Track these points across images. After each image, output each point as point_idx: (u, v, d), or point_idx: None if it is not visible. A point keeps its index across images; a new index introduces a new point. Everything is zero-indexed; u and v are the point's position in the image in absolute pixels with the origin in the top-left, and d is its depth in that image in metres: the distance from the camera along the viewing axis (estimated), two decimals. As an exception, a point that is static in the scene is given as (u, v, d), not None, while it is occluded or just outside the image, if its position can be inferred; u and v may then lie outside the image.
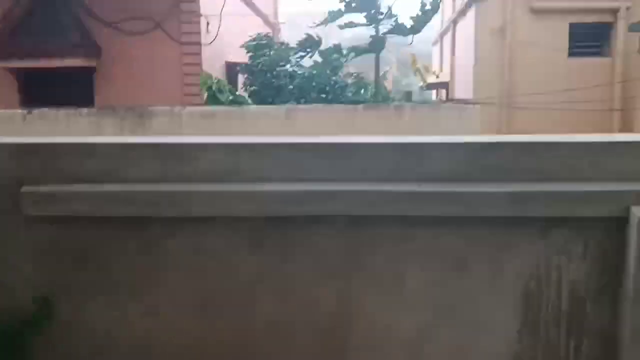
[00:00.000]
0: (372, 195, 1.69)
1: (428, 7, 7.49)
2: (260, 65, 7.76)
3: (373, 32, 7.64)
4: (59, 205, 1.73)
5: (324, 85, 7.35)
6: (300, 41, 8.06)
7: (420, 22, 7.52)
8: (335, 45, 7.80)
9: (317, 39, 7.64)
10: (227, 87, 7.00)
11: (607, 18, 11.58)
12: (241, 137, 1.97)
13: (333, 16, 7.61)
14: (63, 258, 1.80)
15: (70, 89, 9.31)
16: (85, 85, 9.71)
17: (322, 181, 1.75)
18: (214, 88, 7.02)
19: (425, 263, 1.75)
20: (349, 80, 8.78)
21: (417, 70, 7.82)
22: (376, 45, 7.49)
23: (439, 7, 7.59)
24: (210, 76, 7.06)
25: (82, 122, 6.32)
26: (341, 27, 7.76)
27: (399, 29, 7.50)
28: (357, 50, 7.67)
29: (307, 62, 8.38)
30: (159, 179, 1.78)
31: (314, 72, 7.59)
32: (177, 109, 6.37)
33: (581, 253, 1.74)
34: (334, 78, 7.59)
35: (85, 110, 6.44)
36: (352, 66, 11.43)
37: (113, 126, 6.26)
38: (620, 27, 11.30)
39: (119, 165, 1.78)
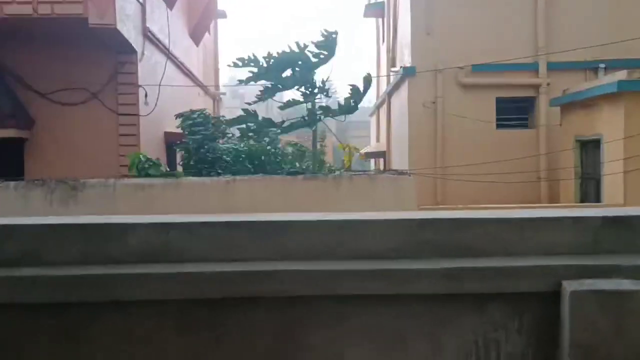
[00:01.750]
0: (309, 275, 1.66)
1: (358, 89, 7.82)
2: (195, 143, 7.77)
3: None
4: (-28, 292, 1.60)
5: (261, 157, 7.40)
6: (234, 119, 8.19)
7: (348, 107, 7.83)
8: (266, 119, 7.96)
9: (252, 112, 7.77)
10: (159, 164, 6.90)
11: (530, 93, 12.38)
12: (173, 215, 1.91)
13: (269, 92, 7.79)
14: (-25, 350, 1.65)
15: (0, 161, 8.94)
16: (15, 157, 9.36)
17: (258, 260, 1.71)
18: (145, 166, 6.89)
19: (363, 342, 1.71)
20: (289, 150, 8.87)
21: (345, 150, 8.02)
22: (311, 120, 7.68)
23: (368, 87, 7.94)
24: (137, 156, 6.95)
25: (8, 196, 6.02)
26: (281, 108, 7.98)
27: (331, 111, 7.77)
28: (293, 126, 7.83)
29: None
30: (83, 261, 1.68)
31: (251, 146, 7.66)
32: (111, 180, 6.20)
33: (517, 328, 1.75)
34: (272, 150, 7.66)
35: (12, 183, 6.16)
36: (293, 135, 11.61)
37: (42, 199, 6.00)
38: (542, 101, 12.09)
39: (40, 248, 1.68)
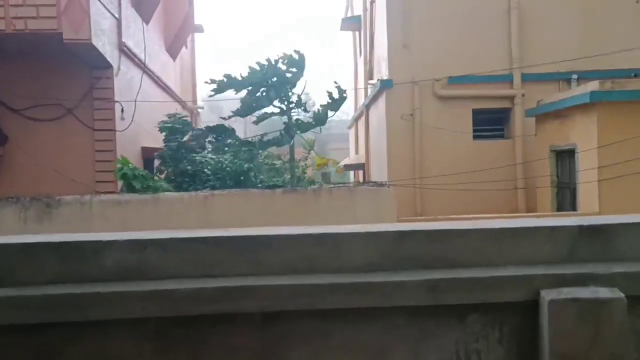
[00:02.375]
0: (289, 290, 1.64)
1: (333, 97, 7.89)
2: (173, 149, 7.74)
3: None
4: (-59, 315, 1.55)
5: (240, 170, 7.38)
6: (213, 127, 8.18)
7: (322, 117, 7.90)
8: (243, 141, 8.00)
9: (230, 129, 7.80)
10: (143, 173, 6.84)
11: (505, 104, 12.55)
12: (149, 231, 1.88)
13: (245, 110, 7.81)
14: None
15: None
16: (-12, 175, 9.18)
17: (236, 276, 1.69)
18: (129, 174, 6.84)
19: (346, 357, 1.70)
20: (267, 163, 8.87)
21: (319, 163, 8.09)
22: (287, 136, 7.70)
23: (342, 99, 8.03)
24: (125, 161, 6.89)
25: (-20, 215, 5.90)
26: (255, 122, 8.02)
27: (306, 126, 7.83)
28: (269, 143, 7.86)
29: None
30: (59, 281, 1.65)
31: (229, 159, 7.65)
32: (87, 197, 6.10)
33: (497, 337, 1.76)
34: (250, 164, 7.66)
35: (-16, 201, 6.04)
36: (273, 148, 11.58)
37: (16, 218, 5.88)
38: (518, 112, 12.26)
39: (14, 268, 1.64)
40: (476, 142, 12.38)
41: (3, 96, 9.23)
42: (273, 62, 7.68)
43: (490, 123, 12.60)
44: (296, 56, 7.70)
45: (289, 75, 7.71)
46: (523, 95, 12.24)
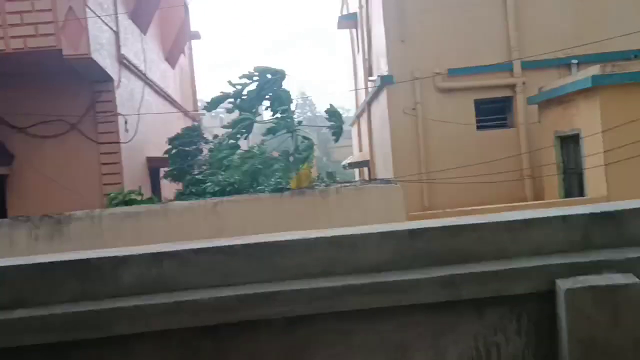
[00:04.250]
0: (308, 293, 1.66)
1: (336, 112, 8.10)
2: (179, 152, 7.90)
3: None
4: (-35, 340, 1.57)
5: (246, 176, 7.43)
6: (219, 139, 8.33)
7: (337, 131, 8.09)
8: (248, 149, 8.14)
9: (236, 145, 7.97)
10: (135, 197, 6.93)
11: (507, 93, 12.53)
12: (164, 244, 1.90)
13: (247, 128, 7.96)
14: (-29, 400, 1.62)
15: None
16: (-4, 195, 9.25)
17: (254, 283, 1.70)
18: (120, 200, 6.90)
19: (367, 357, 1.71)
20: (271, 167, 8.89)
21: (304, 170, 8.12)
22: (296, 163, 7.82)
23: (339, 120, 8.23)
24: (115, 196, 6.96)
25: (-8, 235, 5.94)
26: (264, 134, 8.19)
27: (311, 149, 8.01)
28: (278, 161, 7.97)
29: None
30: (79, 299, 1.66)
31: (234, 167, 7.73)
32: (97, 212, 6.14)
33: (516, 329, 1.76)
34: (255, 169, 7.69)
35: (-4, 221, 6.09)
36: (276, 151, 11.62)
37: (27, 236, 5.92)
38: (520, 100, 12.24)
39: (33, 289, 1.66)
40: (480, 133, 12.37)
41: (7, 115, 9.29)
42: (259, 71, 7.88)
43: (493, 113, 12.59)
44: (270, 70, 7.90)
45: (273, 83, 7.88)
46: (524, 83, 12.22)
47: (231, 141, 8.01)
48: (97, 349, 1.64)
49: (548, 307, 1.72)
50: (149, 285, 1.68)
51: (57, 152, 9.37)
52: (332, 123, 8.19)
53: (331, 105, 8.34)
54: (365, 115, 16.62)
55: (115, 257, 1.72)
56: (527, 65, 12.20)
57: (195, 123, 9.48)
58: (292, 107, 8.07)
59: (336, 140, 8.41)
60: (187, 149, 8.34)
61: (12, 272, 1.69)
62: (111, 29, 9.73)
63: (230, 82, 8.04)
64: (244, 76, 7.97)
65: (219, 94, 8.08)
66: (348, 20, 18.56)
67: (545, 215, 1.84)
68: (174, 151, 8.98)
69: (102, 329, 1.61)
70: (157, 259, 1.70)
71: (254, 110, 8.00)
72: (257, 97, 7.89)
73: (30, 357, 1.63)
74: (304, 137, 7.88)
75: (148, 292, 1.68)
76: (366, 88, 16.16)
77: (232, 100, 7.93)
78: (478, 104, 12.45)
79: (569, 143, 10.39)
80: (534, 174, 11.84)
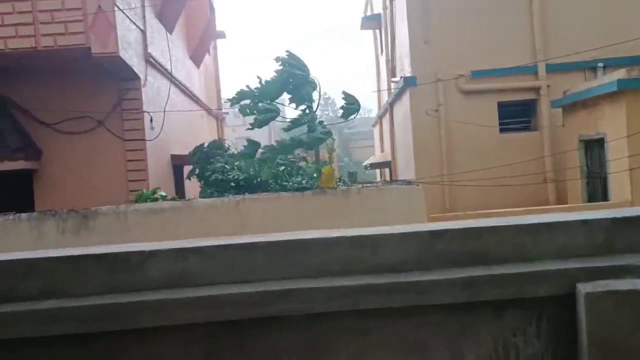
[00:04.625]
0: (328, 291, 1.68)
1: (346, 106, 8.03)
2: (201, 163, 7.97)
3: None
4: (-3, 328, 1.63)
5: (267, 175, 7.48)
6: (238, 153, 8.37)
7: (348, 112, 8.02)
8: (269, 145, 8.14)
9: (255, 142, 7.98)
10: (159, 195, 7.04)
11: (530, 95, 12.41)
12: (189, 240, 1.94)
13: (267, 119, 7.95)
14: (4, 385, 1.68)
15: (9, 194, 9.02)
16: (25, 189, 9.45)
17: (276, 280, 1.74)
18: (144, 198, 7.02)
19: (386, 356, 1.73)
20: (293, 167, 8.93)
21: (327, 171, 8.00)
22: (312, 142, 7.78)
23: (356, 108, 8.14)
24: (140, 195, 7.09)
25: (21, 228, 6.08)
26: (285, 129, 8.16)
27: (329, 135, 7.94)
28: (293, 148, 7.97)
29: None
30: (106, 291, 1.71)
31: (255, 167, 7.79)
32: (122, 207, 6.25)
33: (535, 332, 1.77)
34: (277, 169, 7.74)
35: (24, 215, 6.22)
36: (298, 150, 11.68)
37: (54, 230, 6.05)
38: (544, 103, 12.11)
39: (63, 280, 1.71)
40: (503, 135, 12.27)
41: (36, 111, 9.49)
42: (284, 65, 7.82)
43: (517, 115, 12.48)
44: (294, 61, 7.84)
45: (300, 77, 7.83)
46: (548, 86, 12.09)
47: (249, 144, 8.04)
48: (122, 340, 1.69)
49: (568, 311, 1.72)
50: (173, 280, 1.73)
51: (84, 148, 9.55)
52: (346, 104, 8.09)
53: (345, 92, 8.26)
54: (387, 116, 16.59)
55: (142, 252, 1.76)
56: (552, 68, 12.07)
57: (220, 118, 9.55)
58: (314, 104, 8.06)
59: (345, 118, 8.28)
60: (210, 151, 8.45)
61: (44, 263, 1.74)
62: (138, 27, 9.87)
63: (259, 77, 8.01)
64: (277, 59, 7.87)
65: (244, 88, 8.03)
66: (372, 21, 18.55)
67: (567, 219, 1.84)
68: (196, 156, 9.05)
69: (128, 320, 1.66)
70: (182, 254, 1.75)
71: (274, 102, 7.99)
72: (278, 90, 7.88)
73: (58, 346, 1.67)
74: (326, 133, 7.87)
75: (173, 286, 1.72)
76: (389, 89, 16.14)
77: (256, 94, 7.91)
78: (501, 106, 12.35)
79: (594, 147, 10.25)
80: (556, 178, 11.71)
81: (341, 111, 8.20)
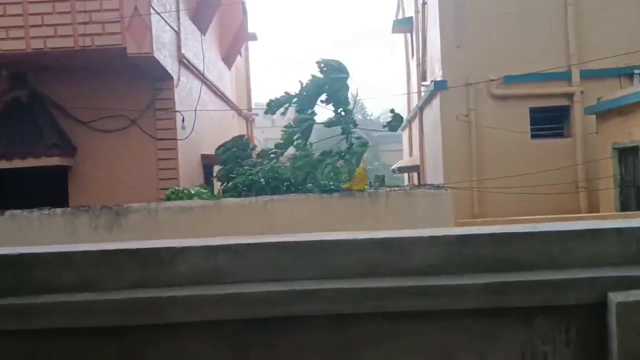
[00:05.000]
0: (356, 293, 1.69)
1: (391, 122, 8.05)
2: (229, 162, 8.01)
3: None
4: (35, 318, 1.68)
5: (295, 177, 7.49)
6: (265, 152, 8.36)
7: (391, 127, 8.05)
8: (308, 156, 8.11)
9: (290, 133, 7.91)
10: (191, 194, 7.12)
11: (563, 102, 12.20)
12: (220, 238, 1.98)
13: (306, 130, 7.92)
14: (39, 374, 1.73)
15: (45, 189, 9.26)
16: (59, 185, 9.68)
17: (304, 280, 1.75)
18: (174, 194, 7.11)
19: (412, 358, 1.73)
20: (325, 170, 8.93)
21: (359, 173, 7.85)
22: (349, 153, 7.77)
23: (399, 124, 8.16)
24: (173, 192, 7.17)
25: (56, 223, 6.23)
26: (324, 125, 8.11)
27: (366, 146, 7.91)
28: (331, 155, 7.93)
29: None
30: (138, 285, 1.75)
31: (286, 167, 7.79)
32: (153, 204, 6.36)
33: (565, 340, 1.75)
34: (306, 171, 7.74)
35: (59, 210, 6.38)
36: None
37: (88, 226, 6.18)
38: (577, 110, 11.90)
39: (97, 274, 1.75)
40: (534, 142, 12.09)
41: (72, 109, 9.72)
42: (323, 69, 7.76)
43: (549, 122, 12.29)
44: (335, 63, 7.79)
45: (337, 82, 7.78)
46: (582, 92, 11.87)
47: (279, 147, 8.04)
48: (152, 335, 1.72)
49: (599, 320, 1.70)
50: (204, 276, 1.76)
51: (117, 146, 9.74)
52: (390, 121, 8.12)
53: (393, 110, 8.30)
54: (416, 120, 16.50)
55: (174, 248, 1.80)
56: (586, 74, 11.85)
57: (250, 119, 9.61)
58: (350, 107, 8.03)
59: (390, 130, 8.29)
60: (238, 152, 8.48)
61: (79, 257, 1.79)
62: (173, 29, 10.03)
63: (300, 82, 7.94)
64: (318, 62, 7.83)
65: (282, 94, 7.97)
66: (403, 25, 18.48)
67: (599, 227, 1.82)
68: (224, 156, 9.08)
69: (159, 315, 1.69)
70: (213, 251, 1.77)
71: (310, 111, 7.96)
72: (316, 95, 7.85)
73: (91, 338, 1.72)
74: (358, 138, 7.85)
75: (203, 283, 1.75)
76: (419, 92, 16.05)
77: (295, 101, 7.88)
78: (533, 112, 12.17)
79: (628, 155, 10.03)
80: (589, 186, 11.48)
81: (373, 115, 8.19)
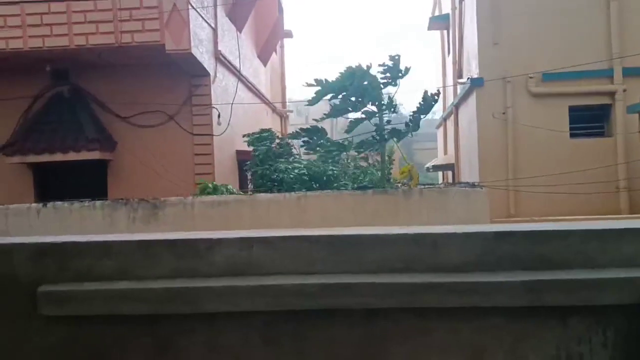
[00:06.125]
0: (388, 288, 1.69)
1: (424, 101, 7.84)
2: (259, 155, 8.02)
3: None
4: (75, 304, 1.74)
5: (323, 177, 7.49)
6: (297, 132, 8.20)
7: (415, 122, 7.87)
8: (336, 143, 8.02)
9: (320, 128, 7.86)
10: (227, 188, 7.18)
11: (605, 100, 11.89)
12: (254, 230, 2.00)
13: (337, 112, 7.85)
14: (79, 358, 1.78)
15: (85, 182, 9.52)
16: (99, 178, 9.93)
17: (337, 274, 1.76)
18: (205, 189, 7.20)
19: (443, 355, 1.72)
20: (355, 165, 8.90)
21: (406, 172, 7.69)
22: (379, 140, 7.69)
23: (433, 104, 7.93)
24: (206, 186, 7.25)
25: (95, 215, 6.40)
26: (347, 131, 8.00)
27: (399, 134, 7.79)
28: (361, 146, 7.86)
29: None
30: (174, 275, 1.79)
31: (312, 165, 7.76)
32: (189, 199, 6.47)
33: (602, 341, 1.71)
34: (334, 170, 7.73)
35: (98, 202, 6.55)
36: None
37: (125, 218, 6.33)
38: (619, 109, 11.57)
39: (135, 263, 1.80)
40: (573, 141, 11.82)
41: (111, 105, 9.95)
42: (367, 66, 7.73)
43: (589, 120, 11.98)
44: (390, 63, 7.69)
45: (382, 81, 7.72)
46: (624, 90, 11.53)
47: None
48: (187, 324, 1.76)
49: (637, 321, 1.66)
50: (238, 267, 1.78)
51: (154, 141, 9.93)
52: (419, 106, 7.91)
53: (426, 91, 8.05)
54: (452, 118, 16.32)
55: (209, 239, 1.83)
56: (629, 72, 11.51)
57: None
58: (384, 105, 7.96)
59: (422, 113, 7.98)
60: (265, 142, 8.49)
61: (118, 246, 1.84)
62: (210, 25, 10.15)
63: (341, 73, 7.84)
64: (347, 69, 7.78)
65: (323, 81, 7.83)
66: (439, 22, 18.29)
67: (638, 227, 1.77)
68: (258, 153, 9.07)
69: (193, 305, 1.72)
70: (247, 243, 1.79)
71: (350, 109, 7.91)
72: (358, 97, 7.79)
73: (128, 325, 1.76)
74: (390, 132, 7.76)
75: (237, 274, 1.77)
76: (454, 89, 15.86)
77: (334, 96, 7.80)
78: (573, 110, 11.89)
79: (673, 156, 9.71)
80: (630, 187, 11.16)
81: (406, 113, 8.09)
